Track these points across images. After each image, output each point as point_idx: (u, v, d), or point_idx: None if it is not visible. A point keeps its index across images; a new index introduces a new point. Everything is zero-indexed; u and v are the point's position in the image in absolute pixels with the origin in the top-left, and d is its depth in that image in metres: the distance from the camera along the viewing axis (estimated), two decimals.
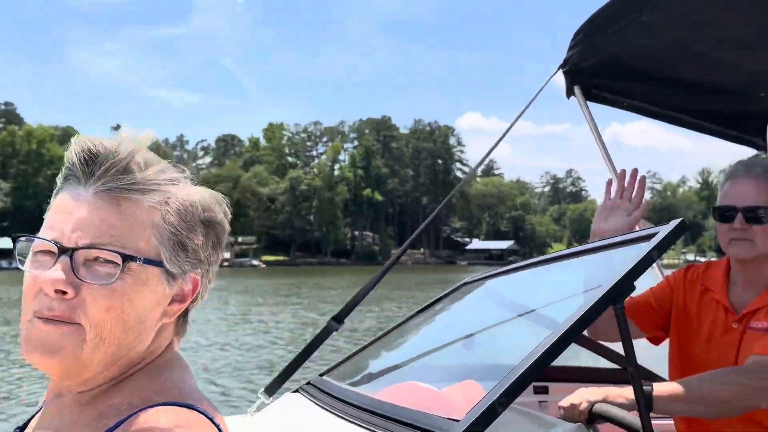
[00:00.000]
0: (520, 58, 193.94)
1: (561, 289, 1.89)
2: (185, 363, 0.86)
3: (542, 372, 1.33)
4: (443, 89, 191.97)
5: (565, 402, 1.56)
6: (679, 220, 1.45)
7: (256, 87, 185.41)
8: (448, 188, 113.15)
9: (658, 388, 1.53)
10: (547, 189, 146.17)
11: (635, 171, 1.95)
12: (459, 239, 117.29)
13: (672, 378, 1.83)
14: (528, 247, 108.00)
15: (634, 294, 1.43)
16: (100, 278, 0.75)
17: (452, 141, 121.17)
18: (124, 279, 0.75)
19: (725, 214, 1.72)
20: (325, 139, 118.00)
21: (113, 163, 0.77)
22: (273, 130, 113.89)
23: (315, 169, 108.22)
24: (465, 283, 2.29)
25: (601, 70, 2.37)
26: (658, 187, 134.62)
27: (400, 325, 2.21)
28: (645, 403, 1.36)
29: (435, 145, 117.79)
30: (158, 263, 0.78)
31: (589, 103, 2.46)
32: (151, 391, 0.78)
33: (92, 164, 0.77)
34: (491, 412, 1.25)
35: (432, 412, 1.48)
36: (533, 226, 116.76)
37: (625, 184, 1.93)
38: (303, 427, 1.75)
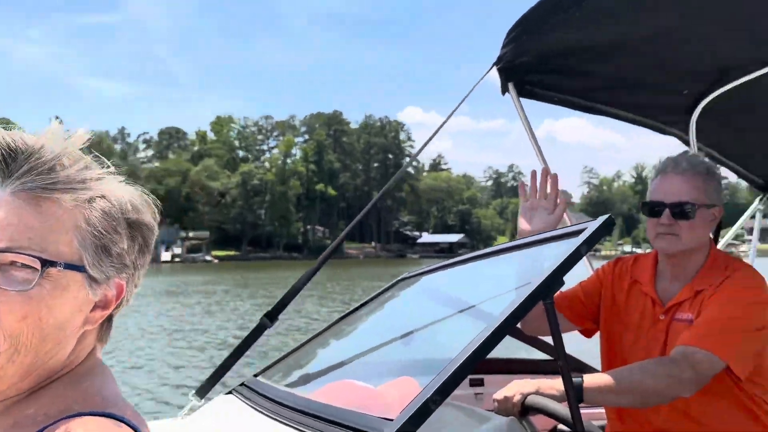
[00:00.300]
0: (459, 54, 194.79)
1: (495, 284, 1.88)
2: (108, 370, 0.80)
3: (475, 367, 1.32)
4: (384, 83, 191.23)
5: (499, 395, 1.56)
6: (606, 216, 1.46)
7: (192, 78, 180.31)
8: (399, 183, 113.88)
9: (588, 380, 1.54)
10: (489, 183, 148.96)
11: (545, 170, 1.97)
12: (408, 233, 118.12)
13: (603, 369, 1.85)
14: (475, 240, 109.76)
15: (564, 288, 1.43)
16: (16, 284, 0.68)
17: (402, 136, 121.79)
18: (42, 285, 0.68)
19: (653, 209, 1.74)
20: (276, 133, 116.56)
21: (36, 164, 0.70)
22: (221, 124, 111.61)
23: (267, 164, 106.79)
24: (401, 279, 2.26)
25: (535, 66, 2.37)
26: (594, 181, 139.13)
27: (336, 323, 2.16)
28: (575, 395, 1.37)
29: (386, 140, 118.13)
30: (80, 268, 0.71)
31: (522, 99, 2.47)
32: (71, 400, 0.72)
33: (12, 162, 0.70)
34: (425, 410, 1.23)
35: (367, 410, 1.45)
36: (479, 219, 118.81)
37: (537, 185, 1.94)
38: (235, 430, 1.68)
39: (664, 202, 1.72)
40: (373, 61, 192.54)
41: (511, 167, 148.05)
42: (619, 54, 2.30)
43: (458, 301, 2.05)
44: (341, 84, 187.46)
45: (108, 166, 0.77)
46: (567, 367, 1.36)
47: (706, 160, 1.81)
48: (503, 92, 2.42)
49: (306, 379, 1.95)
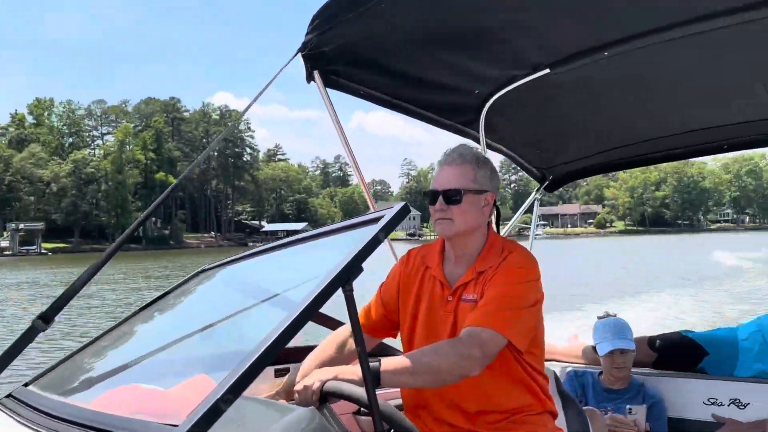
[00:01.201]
0: (276, 41, 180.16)
1: (297, 272, 1.74)
2: None
3: (272, 360, 1.18)
4: (192, 66, 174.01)
5: (299, 385, 1.45)
6: (401, 204, 1.40)
7: None
8: (239, 172, 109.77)
9: (385, 363, 1.48)
10: (317, 173, 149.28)
11: None
12: (248, 222, 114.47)
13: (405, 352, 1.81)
14: (316, 227, 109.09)
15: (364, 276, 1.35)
16: None
17: (242, 126, 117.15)
18: None
19: (432, 197, 1.76)
20: (110, 118, 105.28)
21: None
22: (42, 107, 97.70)
23: (101, 151, 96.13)
24: (201, 271, 2.02)
25: (339, 56, 2.26)
26: (413, 173, 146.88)
27: (122, 322, 1.86)
28: (371, 377, 1.29)
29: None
30: None
31: (330, 90, 2.36)
32: None
33: None
34: (214, 412, 1.06)
35: (155, 415, 1.24)
36: (316, 207, 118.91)
37: None
38: None
39: (438, 189, 1.75)
40: (181, 42, 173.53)
41: (337, 158, 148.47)
42: (418, 51, 2.28)
43: (260, 292, 1.87)
44: (148, 63, 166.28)
45: None
46: (365, 351, 1.29)
47: (477, 150, 1.85)
48: (308, 80, 2.29)
49: (86, 386, 1.62)
